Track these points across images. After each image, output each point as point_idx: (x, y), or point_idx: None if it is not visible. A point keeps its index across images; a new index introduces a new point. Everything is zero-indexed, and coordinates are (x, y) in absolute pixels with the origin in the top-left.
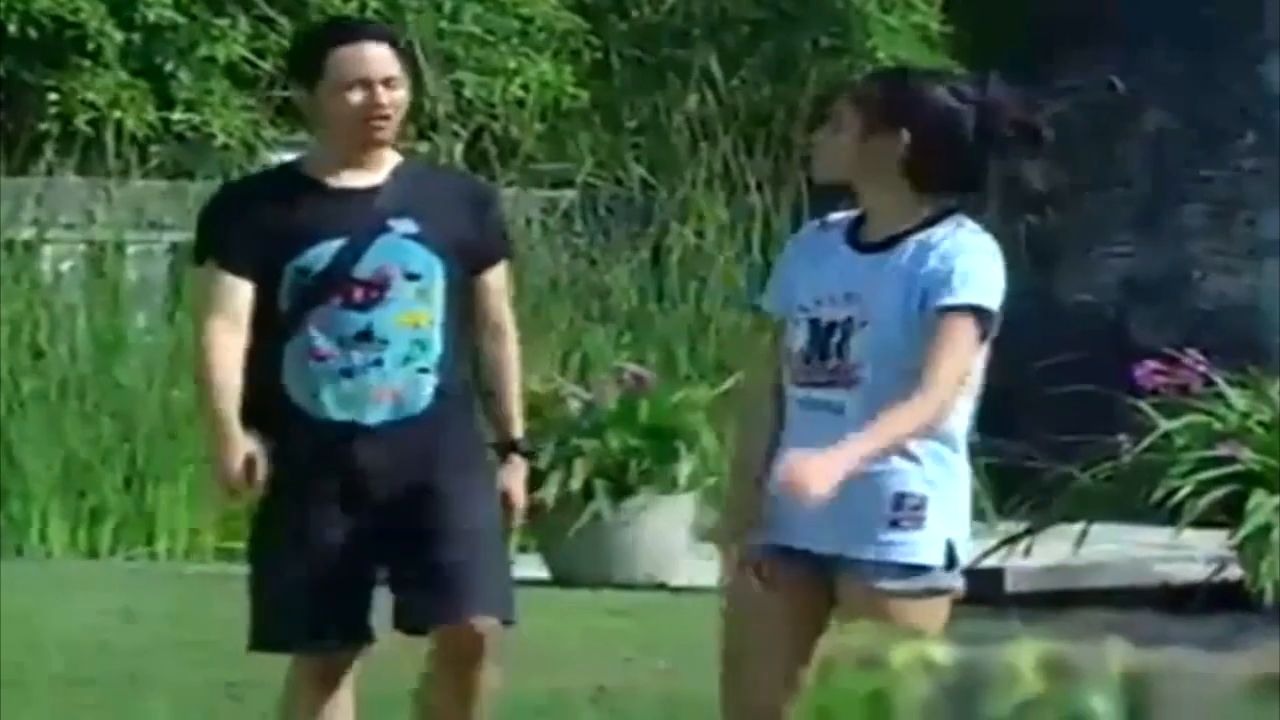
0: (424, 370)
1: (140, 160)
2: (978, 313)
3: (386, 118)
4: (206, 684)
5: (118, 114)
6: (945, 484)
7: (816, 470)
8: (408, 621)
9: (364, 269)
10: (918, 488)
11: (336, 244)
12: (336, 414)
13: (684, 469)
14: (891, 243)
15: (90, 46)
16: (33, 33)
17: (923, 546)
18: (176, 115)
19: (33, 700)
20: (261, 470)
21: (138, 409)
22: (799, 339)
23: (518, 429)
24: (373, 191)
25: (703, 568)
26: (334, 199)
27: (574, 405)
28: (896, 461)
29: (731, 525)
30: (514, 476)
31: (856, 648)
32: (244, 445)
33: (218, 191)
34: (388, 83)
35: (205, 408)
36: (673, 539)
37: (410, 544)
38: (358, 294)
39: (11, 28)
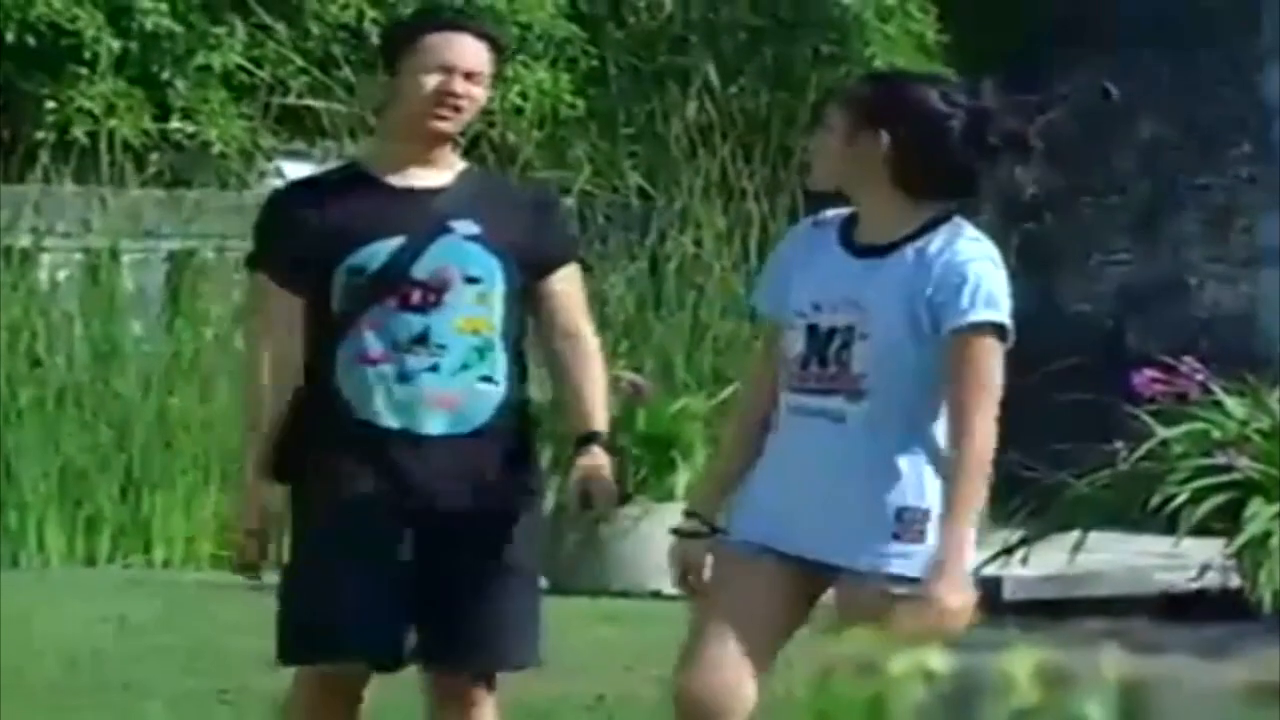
0: (486, 379)
1: (137, 169)
2: (996, 327)
3: (457, 108)
4: (200, 690)
5: (114, 122)
6: (943, 500)
7: (950, 590)
8: (429, 660)
9: (422, 269)
10: (920, 502)
11: (394, 243)
12: (390, 420)
13: (681, 478)
14: (889, 249)
15: (87, 55)
16: (30, 40)
17: (924, 561)
18: (173, 124)
19: (28, 707)
20: (278, 549)
21: (134, 417)
22: (796, 344)
23: (601, 422)
24: (436, 192)
25: None
26: (394, 198)
27: None
28: (900, 475)
29: (703, 510)
30: (597, 462)
31: (854, 654)
32: (260, 509)
33: (273, 195)
34: (470, 76)
35: (243, 447)
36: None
37: (447, 575)
38: (415, 296)
39: (9, 36)
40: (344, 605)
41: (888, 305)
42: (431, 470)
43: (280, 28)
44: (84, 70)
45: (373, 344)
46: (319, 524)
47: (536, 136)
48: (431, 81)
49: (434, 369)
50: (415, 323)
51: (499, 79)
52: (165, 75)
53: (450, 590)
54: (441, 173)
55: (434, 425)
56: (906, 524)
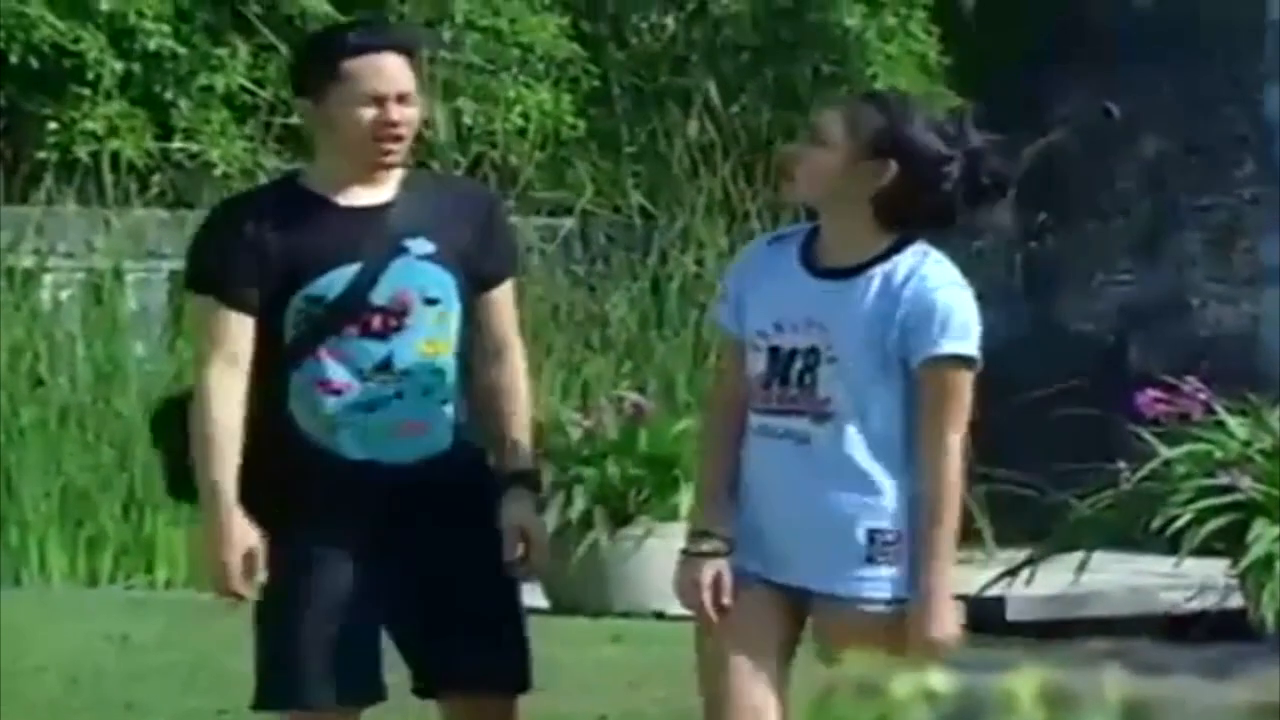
0: (444, 403)
1: (140, 189)
2: (966, 359)
3: (399, 138)
4: (201, 710)
5: (117, 143)
6: (914, 521)
7: (937, 624)
8: (427, 685)
9: (380, 295)
10: (891, 523)
11: (351, 270)
12: (356, 452)
13: (683, 498)
14: (853, 272)
15: (90, 76)
16: (33, 62)
17: (900, 583)
18: (175, 144)
19: None
20: (259, 569)
21: (136, 437)
22: (758, 365)
23: (528, 459)
24: (384, 209)
25: None
26: (344, 219)
27: (573, 433)
28: (869, 497)
29: (718, 529)
30: (527, 511)
31: (857, 676)
32: (242, 538)
33: (213, 213)
34: (402, 99)
35: (201, 474)
36: (672, 568)
37: (429, 600)
38: (375, 322)
39: (13, 57)
40: (319, 650)
41: (855, 329)
42: (403, 495)
43: (282, 48)
44: (87, 91)
45: (334, 372)
46: (288, 563)
47: (538, 157)
48: (366, 115)
49: (399, 395)
50: (378, 350)
51: (500, 100)
52: (168, 96)
53: (435, 611)
54: (386, 186)
55: (403, 452)
56: (878, 546)
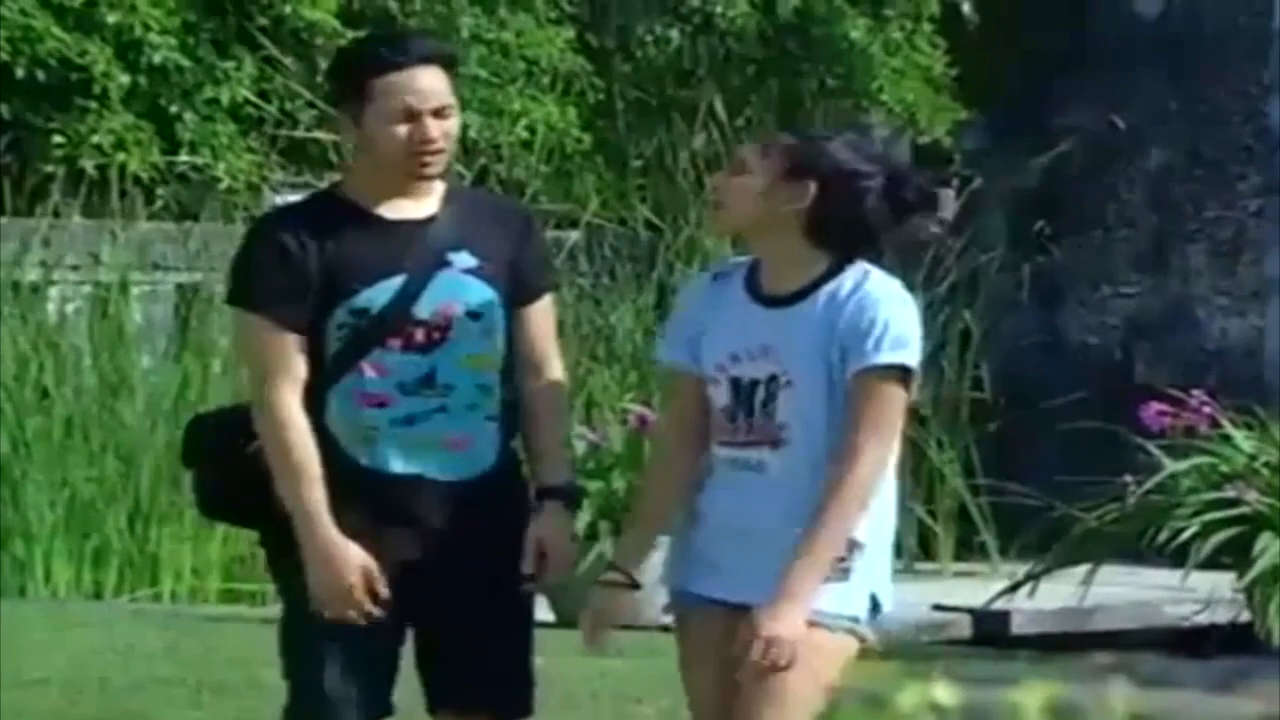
0: (489, 419)
1: (146, 202)
2: (901, 371)
3: (437, 152)
4: None
5: (123, 156)
6: (871, 536)
7: (779, 622)
8: (444, 705)
9: (424, 308)
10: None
11: (396, 282)
12: (398, 466)
13: None
14: (799, 296)
15: (96, 89)
16: (40, 75)
17: (848, 598)
18: (181, 157)
19: None
20: (380, 580)
21: (142, 449)
22: (721, 399)
23: (564, 473)
24: (428, 222)
25: None
26: (388, 231)
27: (579, 446)
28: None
29: (625, 564)
30: (551, 526)
31: (862, 688)
32: (356, 556)
33: (259, 226)
34: (438, 113)
35: (296, 501)
36: None
37: (451, 619)
38: (419, 335)
39: (19, 71)
40: (352, 671)
41: (804, 352)
42: (443, 515)
43: (288, 62)
44: (93, 104)
45: (376, 386)
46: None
47: (544, 170)
48: (402, 131)
49: (442, 410)
50: (420, 364)
51: (505, 114)
52: (174, 109)
53: (468, 636)
54: (429, 200)
55: (445, 470)
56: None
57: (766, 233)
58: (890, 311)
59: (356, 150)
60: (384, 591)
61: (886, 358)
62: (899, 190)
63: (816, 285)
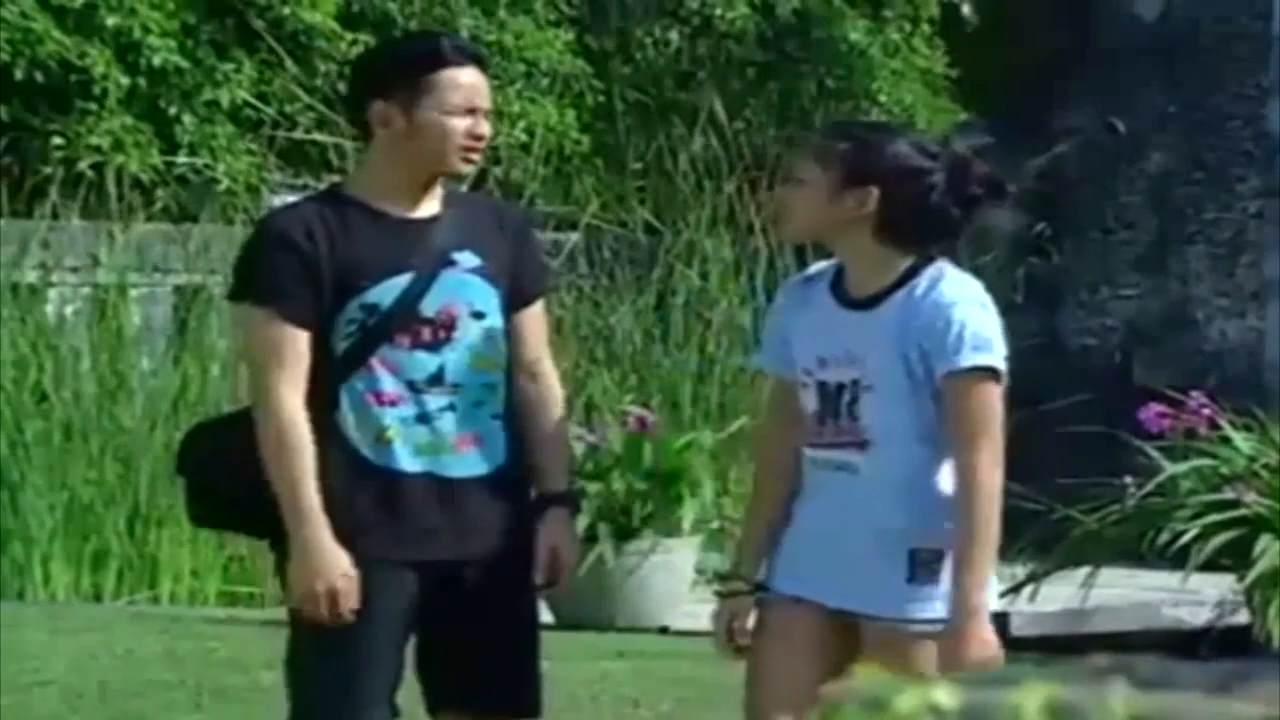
0: (496, 417)
1: (144, 204)
2: (989, 370)
3: (481, 150)
4: None
5: (122, 158)
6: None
7: (977, 644)
8: (448, 706)
9: (430, 306)
10: (932, 543)
11: (403, 279)
12: (408, 464)
13: (688, 513)
14: (876, 300)
15: (95, 90)
16: (39, 77)
17: (942, 601)
18: (180, 159)
19: None
20: (355, 593)
21: (141, 452)
22: (810, 403)
23: (565, 478)
24: (433, 222)
25: (706, 611)
26: (395, 229)
27: (578, 448)
28: (909, 518)
29: (743, 570)
30: (561, 533)
31: (860, 690)
32: (338, 562)
33: (266, 223)
34: (487, 114)
35: (292, 500)
36: (676, 583)
37: (458, 620)
38: (425, 333)
39: (18, 72)
40: (366, 672)
41: (882, 355)
42: (457, 514)
43: (287, 63)
44: (92, 106)
45: (387, 384)
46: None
47: (543, 172)
48: (461, 125)
49: (452, 408)
50: (429, 362)
51: (505, 116)
52: (173, 111)
53: (477, 636)
54: (432, 200)
55: (458, 467)
56: (920, 566)
57: (839, 240)
58: (966, 313)
59: (379, 143)
60: (354, 603)
61: (970, 360)
62: (962, 182)
63: (895, 287)
